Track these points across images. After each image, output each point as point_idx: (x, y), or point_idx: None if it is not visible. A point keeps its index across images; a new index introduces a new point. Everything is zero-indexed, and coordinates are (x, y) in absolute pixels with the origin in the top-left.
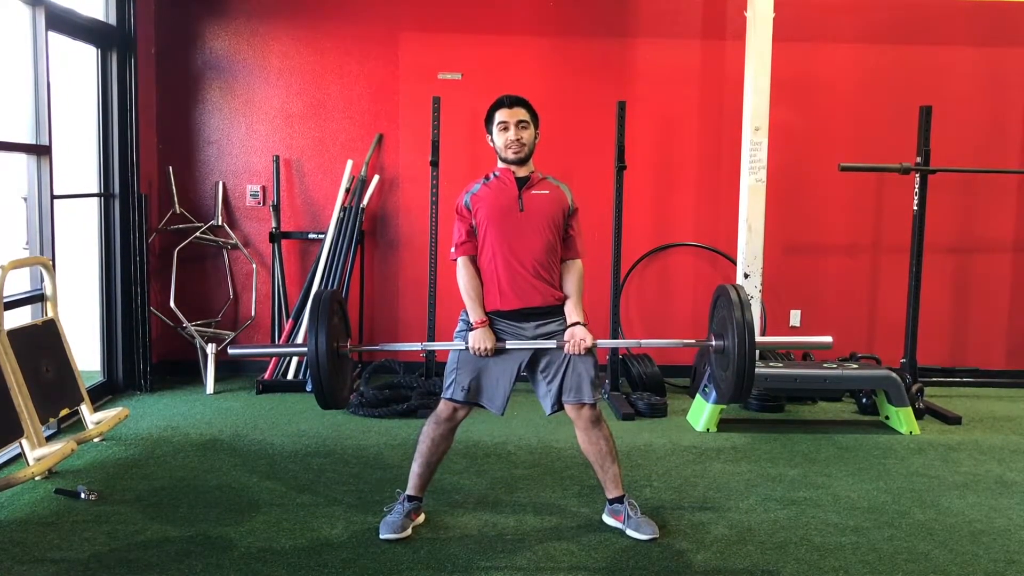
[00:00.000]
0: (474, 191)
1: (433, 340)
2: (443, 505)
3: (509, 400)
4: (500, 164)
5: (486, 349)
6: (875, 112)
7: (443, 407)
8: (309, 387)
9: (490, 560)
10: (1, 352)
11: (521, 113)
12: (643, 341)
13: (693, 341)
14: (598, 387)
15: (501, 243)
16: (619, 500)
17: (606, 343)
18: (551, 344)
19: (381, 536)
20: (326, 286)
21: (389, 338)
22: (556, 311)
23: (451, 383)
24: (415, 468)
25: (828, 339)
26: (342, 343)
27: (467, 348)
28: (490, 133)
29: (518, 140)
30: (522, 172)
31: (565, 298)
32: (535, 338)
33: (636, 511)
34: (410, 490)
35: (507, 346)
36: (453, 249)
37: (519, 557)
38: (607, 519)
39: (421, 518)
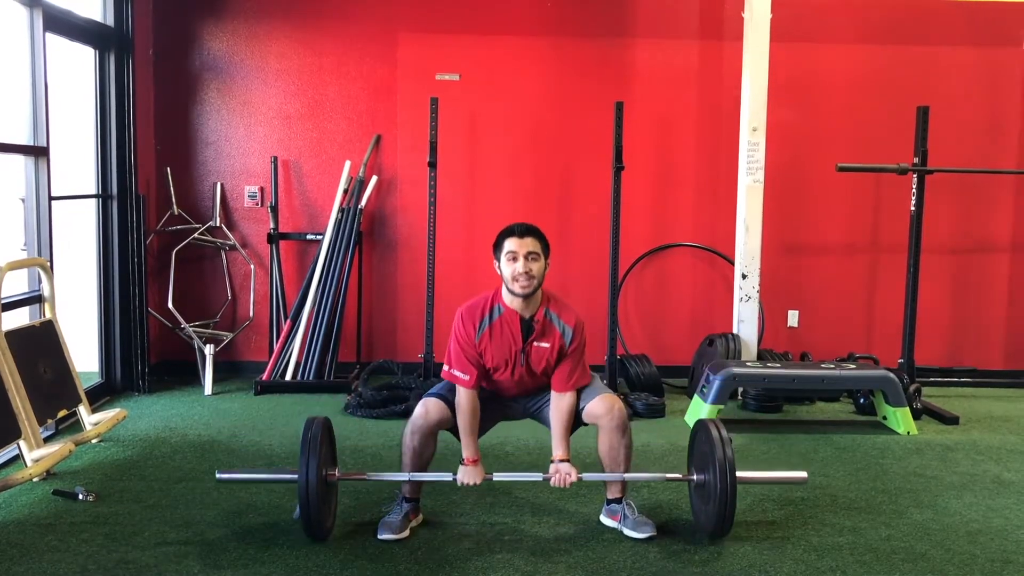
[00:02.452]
0: (482, 330)
1: (431, 340)
2: (441, 505)
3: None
4: (505, 295)
5: (475, 484)
6: (873, 112)
7: (418, 409)
8: (296, 514)
9: (488, 560)
10: None
11: (531, 244)
12: (626, 475)
13: (679, 476)
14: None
15: (501, 385)
16: (617, 501)
17: (591, 477)
18: (536, 477)
19: (379, 537)
20: (324, 286)
21: (387, 338)
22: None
23: (437, 390)
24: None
25: (803, 474)
26: (330, 471)
27: (454, 479)
28: (498, 260)
29: (526, 273)
30: (528, 312)
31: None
32: (526, 406)
33: (633, 511)
34: (406, 492)
35: (494, 478)
36: (462, 376)
37: (517, 557)
38: (604, 519)
39: (419, 518)
